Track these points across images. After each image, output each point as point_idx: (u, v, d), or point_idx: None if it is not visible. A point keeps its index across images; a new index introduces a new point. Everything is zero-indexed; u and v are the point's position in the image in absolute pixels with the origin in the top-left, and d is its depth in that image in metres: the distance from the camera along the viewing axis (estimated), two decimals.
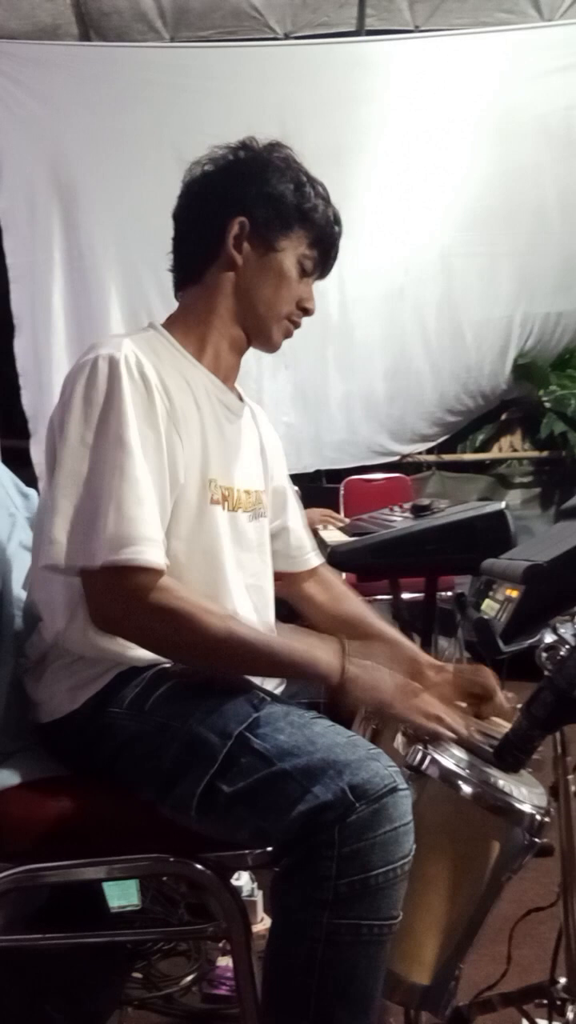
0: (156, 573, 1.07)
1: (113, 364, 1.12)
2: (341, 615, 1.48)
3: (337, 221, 1.32)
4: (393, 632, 1.46)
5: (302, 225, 1.28)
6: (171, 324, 1.31)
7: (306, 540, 1.53)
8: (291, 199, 1.26)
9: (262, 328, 1.30)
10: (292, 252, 1.28)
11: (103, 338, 1.20)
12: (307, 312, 1.32)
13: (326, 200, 1.30)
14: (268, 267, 1.27)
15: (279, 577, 1.43)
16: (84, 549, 1.07)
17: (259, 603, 1.31)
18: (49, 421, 1.19)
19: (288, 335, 1.33)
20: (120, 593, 1.07)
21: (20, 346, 4.24)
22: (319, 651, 1.10)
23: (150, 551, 1.06)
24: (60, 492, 1.10)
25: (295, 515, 1.52)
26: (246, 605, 1.27)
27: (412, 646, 1.40)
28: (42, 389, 4.20)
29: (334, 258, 1.34)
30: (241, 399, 1.36)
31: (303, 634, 1.17)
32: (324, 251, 1.31)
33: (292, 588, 1.52)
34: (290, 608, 1.55)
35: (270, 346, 1.33)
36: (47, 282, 4.23)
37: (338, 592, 1.52)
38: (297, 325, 1.33)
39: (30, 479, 1.65)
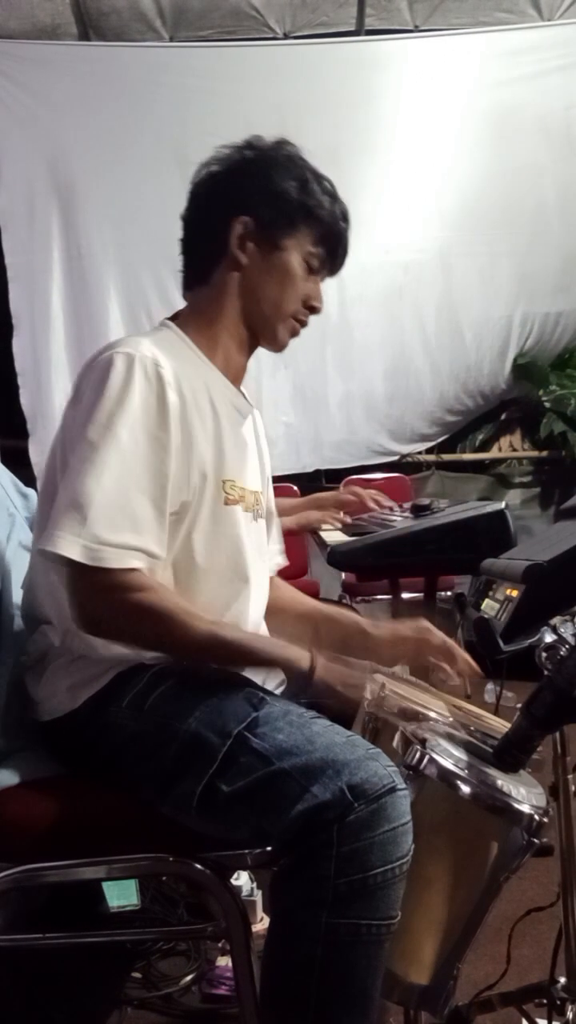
0: (136, 574, 1.08)
1: (129, 362, 1.12)
2: (296, 611, 1.49)
3: (345, 218, 1.31)
4: (332, 608, 1.49)
5: (307, 222, 1.27)
6: (183, 325, 1.30)
7: (274, 543, 1.53)
8: (295, 196, 1.25)
9: (268, 328, 1.30)
10: (297, 250, 1.27)
11: (123, 337, 1.19)
12: (314, 310, 1.32)
13: (333, 196, 1.29)
14: (273, 266, 1.27)
15: None
16: (75, 544, 1.06)
17: (261, 602, 1.34)
18: (62, 419, 1.19)
19: (295, 334, 1.33)
20: (104, 594, 1.07)
21: (18, 346, 4.24)
22: (297, 649, 1.14)
23: (137, 555, 1.08)
24: (64, 487, 1.10)
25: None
26: (260, 602, 1.30)
27: (351, 616, 1.43)
28: (41, 389, 4.20)
29: (343, 255, 1.33)
30: (246, 400, 1.37)
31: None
32: (331, 248, 1.30)
33: None
34: None
35: (276, 346, 1.32)
36: (46, 281, 4.23)
37: (283, 590, 1.52)
38: (304, 324, 1.32)
39: (29, 479, 1.65)
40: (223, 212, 1.27)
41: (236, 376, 1.32)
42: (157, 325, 1.31)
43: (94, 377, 1.13)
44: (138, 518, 1.09)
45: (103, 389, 1.11)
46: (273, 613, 1.41)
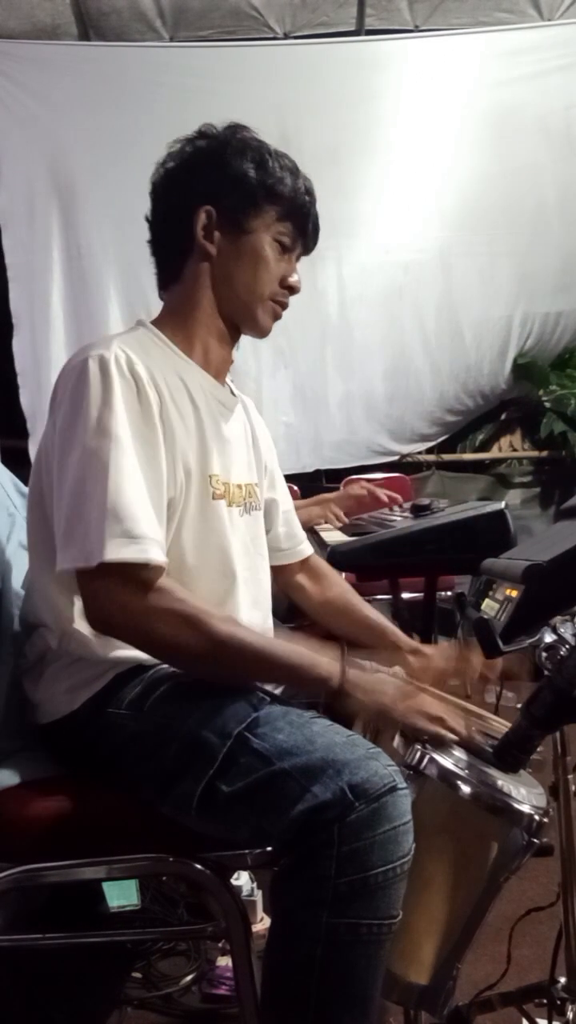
0: (155, 571, 1.07)
1: (104, 364, 1.11)
2: (331, 603, 1.53)
3: (308, 192, 1.29)
4: (379, 619, 1.49)
5: (270, 201, 1.25)
6: (159, 324, 1.30)
7: (297, 531, 1.54)
8: (254, 177, 1.24)
9: (248, 313, 1.29)
10: (265, 231, 1.26)
11: (92, 341, 1.19)
12: (292, 290, 1.30)
13: (293, 172, 1.28)
14: (242, 251, 1.26)
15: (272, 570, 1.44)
16: (83, 549, 1.05)
17: (258, 596, 1.33)
18: (45, 428, 1.19)
19: (277, 317, 1.31)
20: (119, 593, 1.05)
21: (19, 345, 4.24)
22: (319, 655, 1.09)
23: (150, 549, 1.06)
24: (61, 497, 1.10)
25: (286, 506, 1.53)
26: (247, 599, 1.28)
27: (396, 632, 1.45)
28: (41, 389, 4.20)
29: (314, 230, 1.32)
30: (232, 393, 1.36)
31: (302, 640, 1.16)
32: (299, 224, 1.29)
33: (284, 579, 1.53)
34: (288, 604, 1.57)
35: (259, 330, 1.31)
36: (46, 281, 4.24)
37: (328, 581, 1.56)
38: (284, 306, 1.31)
39: (29, 479, 1.65)
40: (185, 205, 1.26)
41: (219, 369, 1.32)
42: (133, 326, 1.30)
43: (71, 384, 1.12)
44: (143, 515, 1.08)
45: (85, 394, 1.10)
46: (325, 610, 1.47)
